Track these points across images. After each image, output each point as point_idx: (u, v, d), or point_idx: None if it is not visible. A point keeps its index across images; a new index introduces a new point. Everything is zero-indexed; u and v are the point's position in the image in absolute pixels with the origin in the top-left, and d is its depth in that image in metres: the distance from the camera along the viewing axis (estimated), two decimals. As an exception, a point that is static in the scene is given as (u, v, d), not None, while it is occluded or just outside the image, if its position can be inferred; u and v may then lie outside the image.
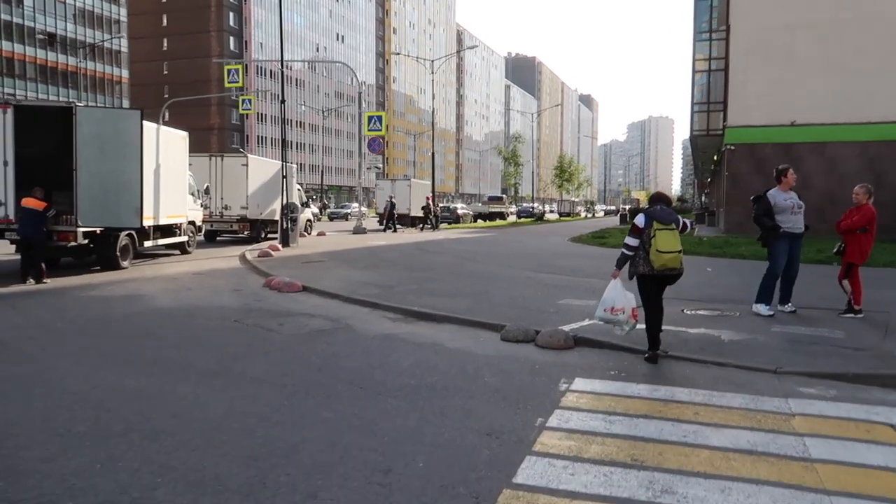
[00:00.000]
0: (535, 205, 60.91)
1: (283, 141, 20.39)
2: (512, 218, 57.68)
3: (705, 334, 7.22)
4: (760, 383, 5.62)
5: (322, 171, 65.60)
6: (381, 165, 31.29)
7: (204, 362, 6.22)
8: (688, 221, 6.46)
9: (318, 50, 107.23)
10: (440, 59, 40.32)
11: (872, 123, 23.92)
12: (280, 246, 18.39)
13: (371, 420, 4.59)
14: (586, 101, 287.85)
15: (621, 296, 6.30)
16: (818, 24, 24.43)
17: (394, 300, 9.61)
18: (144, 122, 13.38)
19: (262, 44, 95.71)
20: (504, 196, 48.41)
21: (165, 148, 15.13)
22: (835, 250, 8.24)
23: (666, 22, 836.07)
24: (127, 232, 13.68)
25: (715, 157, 36.79)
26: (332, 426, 4.45)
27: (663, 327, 6.51)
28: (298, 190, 25.54)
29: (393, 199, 31.31)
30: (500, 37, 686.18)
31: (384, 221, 31.32)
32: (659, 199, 6.31)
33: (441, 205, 39.83)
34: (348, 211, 53.80)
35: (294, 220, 19.28)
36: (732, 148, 25.71)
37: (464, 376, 5.80)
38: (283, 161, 19.48)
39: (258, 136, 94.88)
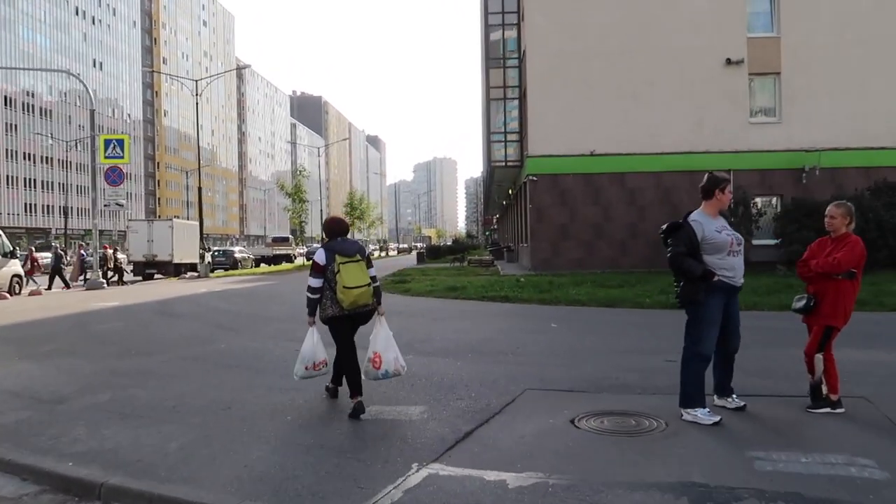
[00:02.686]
0: (326, 246, 56.49)
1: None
2: (301, 260, 52.72)
3: (650, 496, 3.63)
4: None
5: (66, 213, 55.00)
6: (123, 202, 24.76)
7: None
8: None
9: (69, 77, 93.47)
10: (206, 78, 34.95)
11: (665, 154, 23.55)
12: (-67, 319, 12.15)
13: None
14: (374, 141, 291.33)
15: (321, 348, 5.57)
16: (610, 54, 23.70)
17: (40, 440, 4.92)
18: None
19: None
20: (290, 237, 43.33)
21: None
22: (799, 306, 5.15)
23: (450, 62, 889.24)
24: None
25: (510, 191, 35.70)
26: None
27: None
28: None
29: (59, 251, 24.57)
30: (285, 75, 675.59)
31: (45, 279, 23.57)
32: (335, 227, 5.61)
33: (215, 248, 33.62)
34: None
35: (-37, 279, 13.08)
36: (535, 179, 23.97)
37: None
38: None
39: (-12, 174, 79.13)
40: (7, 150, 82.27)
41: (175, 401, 6.01)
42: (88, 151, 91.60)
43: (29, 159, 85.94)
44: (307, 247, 67.62)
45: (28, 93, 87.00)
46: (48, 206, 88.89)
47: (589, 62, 23.78)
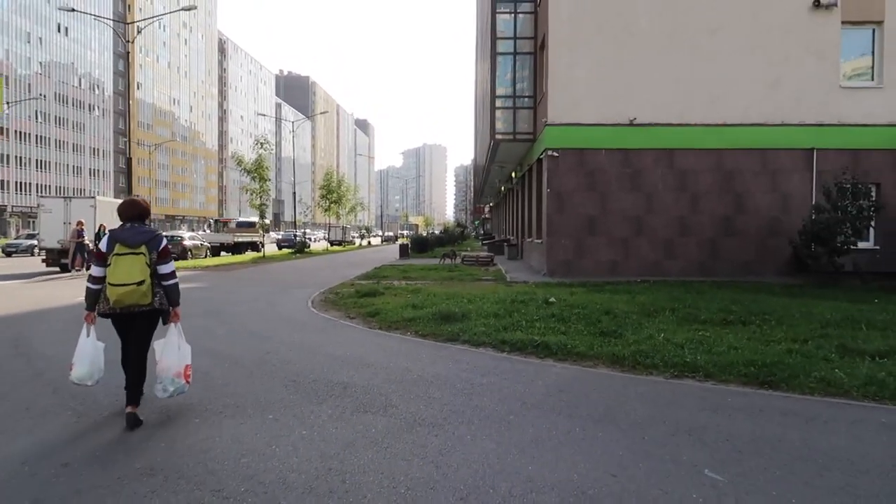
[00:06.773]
0: (298, 232, 50.40)
1: None
2: (272, 248, 46.69)
3: None
4: None
5: (21, 189, 48.44)
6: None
7: None
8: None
9: (30, 40, 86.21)
10: (138, 21, 28.70)
11: (729, 125, 17.86)
12: None
13: None
14: (363, 125, 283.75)
15: (85, 350, 4.84)
16: (661, -11, 17.93)
17: None
18: None
19: (-60, 24, 73.37)
20: (257, 221, 36.98)
21: None
22: None
23: (442, 48, 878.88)
24: None
25: (514, 174, 29.83)
26: None
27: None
28: None
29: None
30: (271, 53, 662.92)
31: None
32: (124, 211, 4.82)
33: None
34: (33, 242, 38.82)
35: None
36: (555, 154, 18.14)
37: None
38: None
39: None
40: (-44, 118, 75.13)
41: None
42: (54, 125, 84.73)
43: (-17, 130, 78.83)
44: (283, 233, 61.53)
45: (-16, 57, 79.71)
46: (5, 181, 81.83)
47: (632, 1, 18.02)
